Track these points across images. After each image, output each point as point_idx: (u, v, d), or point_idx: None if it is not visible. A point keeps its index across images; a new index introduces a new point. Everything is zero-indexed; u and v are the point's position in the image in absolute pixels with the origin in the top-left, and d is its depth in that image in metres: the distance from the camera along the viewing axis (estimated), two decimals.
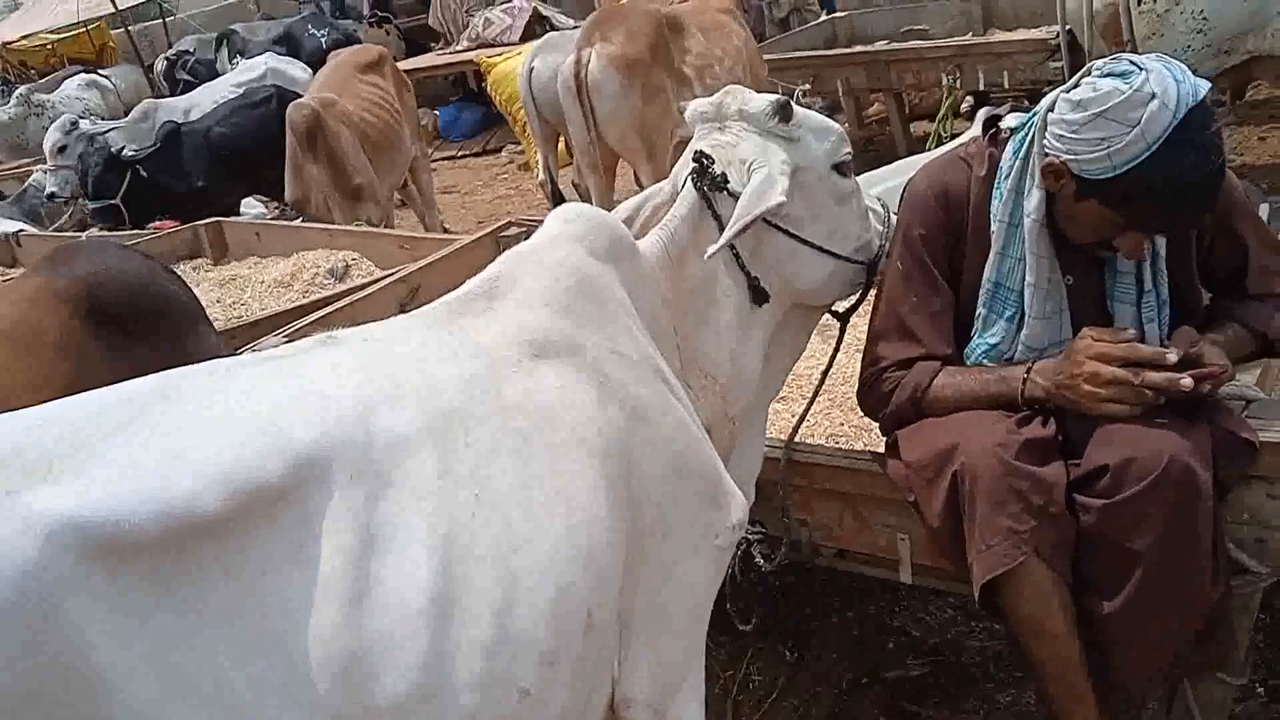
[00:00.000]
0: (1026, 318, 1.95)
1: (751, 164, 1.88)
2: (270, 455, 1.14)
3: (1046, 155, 1.83)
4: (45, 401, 1.16)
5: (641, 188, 3.33)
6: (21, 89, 10.30)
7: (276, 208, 6.48)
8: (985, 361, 2.00)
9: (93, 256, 2.22)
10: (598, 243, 1.66)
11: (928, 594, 2.74)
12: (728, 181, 1.86)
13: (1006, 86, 5.81)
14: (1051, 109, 1.83)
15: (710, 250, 1.78)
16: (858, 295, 2.11)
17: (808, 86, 6.21)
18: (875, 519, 2.18)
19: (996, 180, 1.99)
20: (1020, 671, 2.47)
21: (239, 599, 1.08)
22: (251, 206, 6.63)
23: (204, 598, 1.05)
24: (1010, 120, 2.01)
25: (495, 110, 8.95)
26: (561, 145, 6.12)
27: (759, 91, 2.03)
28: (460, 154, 9.74)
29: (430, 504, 1.24)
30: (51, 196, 6.13)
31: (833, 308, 2.16)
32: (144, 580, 1.01)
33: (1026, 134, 1.93)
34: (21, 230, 5.34)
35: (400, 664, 1.15)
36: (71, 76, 11.17)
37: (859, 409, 2.25)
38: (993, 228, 1.98)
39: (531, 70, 5.64)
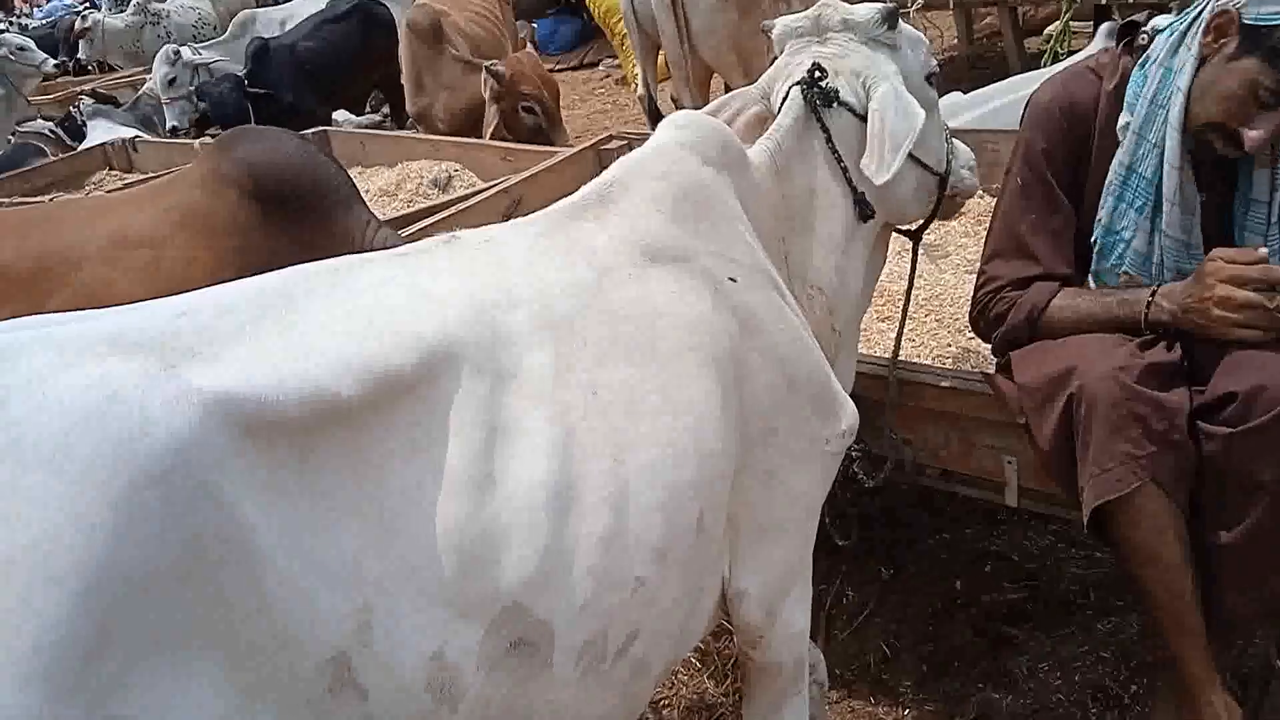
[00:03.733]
0: (1166, 205, 1.85)
1: (865, 76, 1.84)
2: (400, 347, 1.17)
3: (1223, 7, 1.74)
4: (222, 281, 1.21)
5: None
6: None
7: (383, 116, 6.54)
8: (1126, 263, 1.92)
9: (254, 143, 2.31)
10: (709, 150, 1.65)
11: (1027, 519, 2.71)
12: (838, 94, 1.82)
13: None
14: None
15: (881, 171, 1.73)
16: (930, 212, 2.06)
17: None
18: (982, 441, 2.15)
19: (1136, 70, 1.89)
20: (1122, 600, 2.44)
21: (370, 484, 1.12)
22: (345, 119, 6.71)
23: (339, 481, 1.10)
24: (1160, 20, 1.90)
25: (593, 23, 8.83)
26: (661, 59, 6.02)
27: None
28: (558, 67, 9.66)
29: (549, 401, 1.27)
30: (174, 131, 6.25)
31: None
32: (287, 460, 1.06)
33: (1183, 19, 1.83)
34: (137, 136, 5.50)
35: (521, 552, 1.20)
36: None
37: (967, 330, 2.20)
38: (1128, 115, 1.88)
39: None
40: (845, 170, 1.83)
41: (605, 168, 3.65)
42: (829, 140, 1.82)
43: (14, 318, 1.07)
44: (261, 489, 1.03)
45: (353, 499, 1.10)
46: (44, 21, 14.17)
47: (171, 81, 6.24)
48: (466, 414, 1.20)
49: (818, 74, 1.84)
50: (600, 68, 9.31)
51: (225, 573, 0.99)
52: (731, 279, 1.53)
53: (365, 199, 4.12)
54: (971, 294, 2.14)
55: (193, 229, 2.19)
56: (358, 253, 2.21)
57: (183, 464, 0.97)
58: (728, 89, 5.36)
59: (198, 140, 5.36)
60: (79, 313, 1.13)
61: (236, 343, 1.09)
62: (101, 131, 5.98)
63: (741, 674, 1.78)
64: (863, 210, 1.86)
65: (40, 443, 0.92)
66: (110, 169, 5.39)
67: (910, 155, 1.82)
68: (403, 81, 5.65)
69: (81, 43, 10.08)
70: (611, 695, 1.35)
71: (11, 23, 14.32)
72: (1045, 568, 2.63)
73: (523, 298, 1.33)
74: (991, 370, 2.12)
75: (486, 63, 4.34)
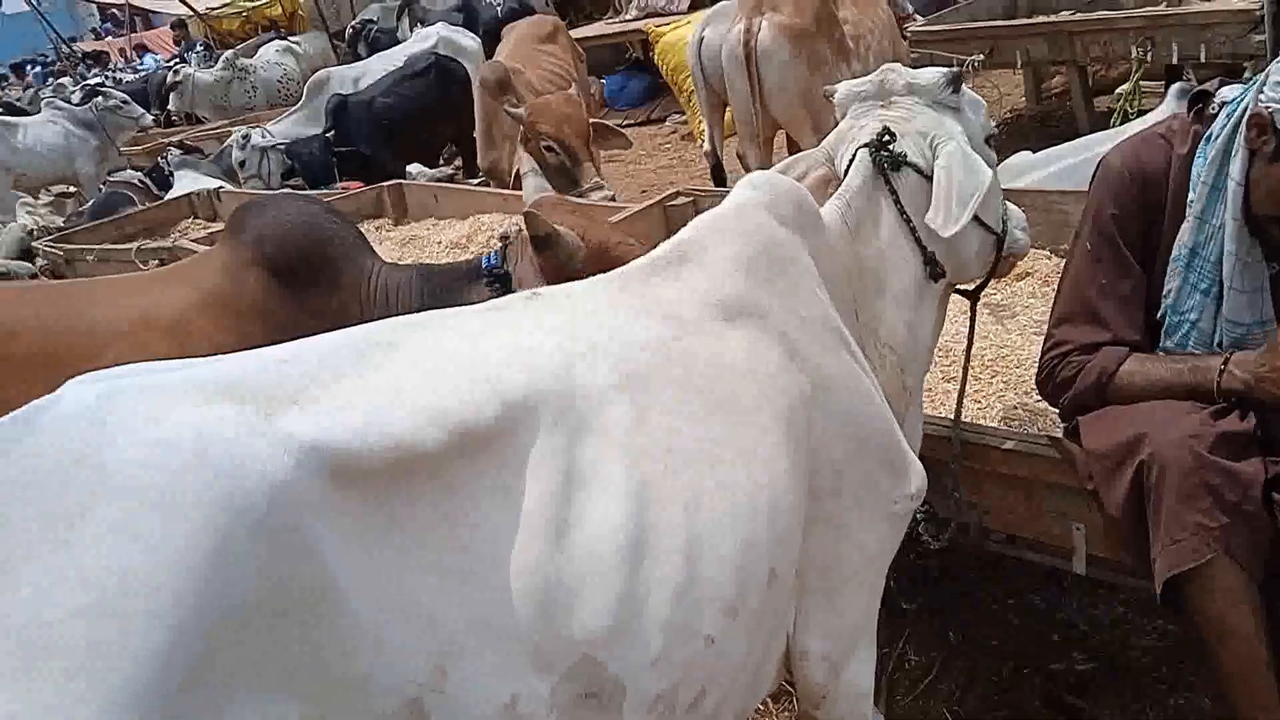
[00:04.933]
0: (1226, 290, 1.85)
1: (933, 138, 1.89)
2: (483, 399, 1.22)
3: (1257, 106, 1.74)
4: None
5: None
6: (228, 54, 10.97)
7: (455, 168, 6.71)
8: (1191, 342, 1.92)
9: (261, 218, 2.40)
10: (785, 210, 1.68)
11: (1096, 587, 2.65)
12: (906, 156, 1.87)
13: (1203, 60, 5.44)
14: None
15: (949, 224, 1.77)
16: (988, 272, 2.08)
17: (981, 58, 5.97)
18: (1049, 506, 2.12)
19: (1201, 146, 1.89)
20: (1194, 675, 2.37)
21: (450, 531, 1.16)
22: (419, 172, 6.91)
23: (420, 530, 1.14)
24: (1226, 92, 1.91)
25: (661, 79, 8.98)
26: (727, 116, 6.10)
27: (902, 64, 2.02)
28: (625, 123, 9.81)
29: (625, 453, 1.30)
30: None
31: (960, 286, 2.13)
32: (371, 508, 1.10)
33: (1244, 96, 1.83)
34: (221, 187, 5.73)
35: (595, 602, 1.22)
36: (268, 43, 11.84)
37: (1034, 392, 2.19)
38: (1192, 194, 1.89)
39: (701, 40, 5.64)
40: (914, 230, 1.87)
41: (672, 223, 3.72)
42: (897, 201, 1.86)
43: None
44: (347, 536, 1.07)
45: (433, 548, 1.14)
46: (137, 76, 14.85)
47: (242, 164, 6.53)
48: (545, 464, 1.24)
49: (886, 137, 1.88)
50: (667, 123, 9.44)
51: (309, 616, 1.03)
52: (804, 338, 1.56)
53: (438, 249, 4.27)
54: (1039, 356, 2.14)
55: (216, 312, 2.29)
56: (365, 301, 2.33)
57: (277, 509, 1.02)
58: (791, 147, 5.43)
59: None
60: (182, 360, 1.19)
61: (332, 392, 1.14)
62: (188, 181, 6.23)
63: None
64: (933, 269, 1.89)
65: (147, 483, 0.97)
66: (195, 217, 5.61)
67: (974, 215, 1.85)
68: (475, 135, 5.81)
69: (172, 96, 10.54)
70: None
71: (107, 77, 15.04)
72: (1115, 637, 2.57)
73: (603, 351, 1.37)
74: (1059, 434, 2.11)
75: (506, 106, 4.41)
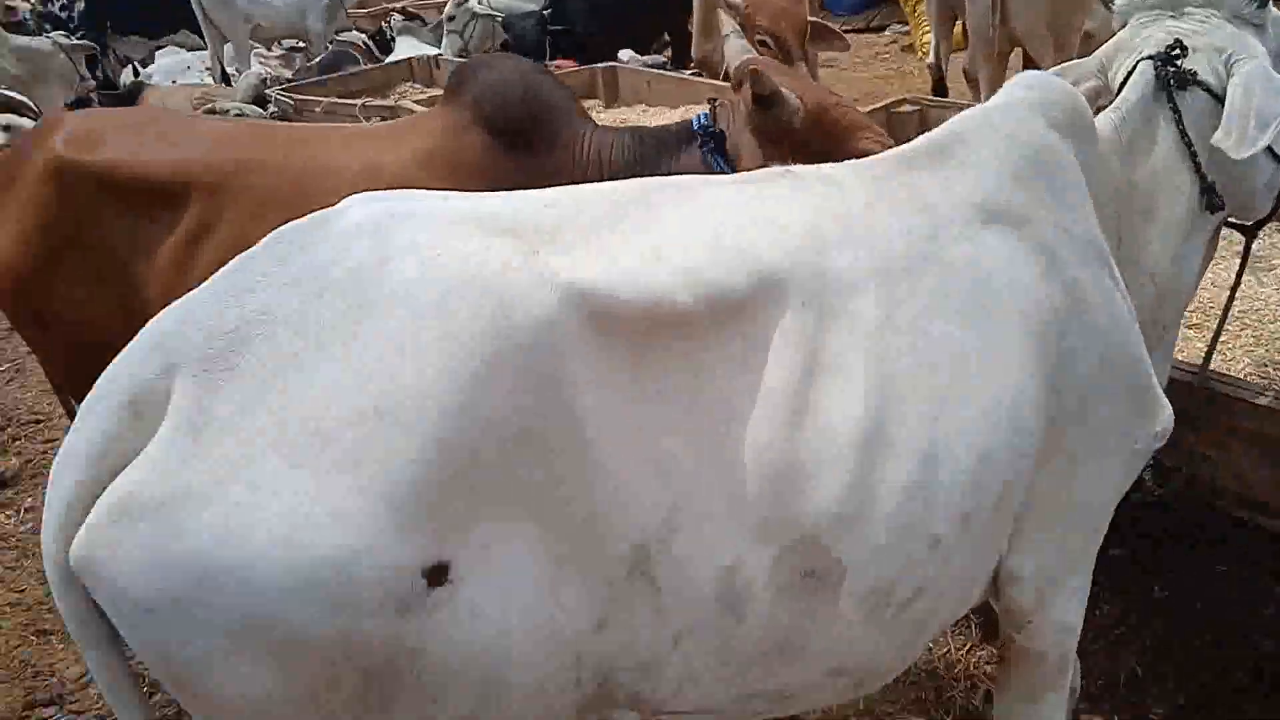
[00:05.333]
0: None
1: (1230, 55, 1.71)
2: (739, 268, 1.19)
3: None
4: None
5: None
6: None
7: (665, 58, 6.64)
8: None
9: (483, 79, 2.40)
10: (1057, 114, 1.56)
11: None
12: (1195, 75, 1.70)
13: None
14: None
15: (1242, 146, 1.61)
16: (1270, 210, 1.89)
17: None
18: None
19: None
20: None
21: (692, 394, 1.15)
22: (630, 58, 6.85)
23: (667, 386, 1.13)
24: None
25: None
26: (957, 30, 5.76)
27: None
28: (843, 29, 9.44)
29: (871, 344, 1.25)
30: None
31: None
32: (625, 357, 1.10)
33: None
34: (440, 55, 5.85)
35: (827, 486, 1.19)
36: None
37: None
38: None
39: None
40: (1194, 155, 1.70)
41: (894, 131, 3.54)
42: (1179, 122, 1.70)
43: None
44: (599, 380, 1.07)
45: (676, 407, 1.13)
46: None
47: (451, 19, 6.59)
48: (790, 344, 1.20)
49: (1175, 51, 1.71)
50: (886, 33, 9.03)
51: (557, 449, 1.04)
52: (1064, 251, 1.45)
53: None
54: None
55: (436, 168, 2.30)
56: (579, 161, 2.32)
57: (540, 343, 1.02)
58: (1028, 64, 5.08)
59: None
60: (454, 193, 1.21)
61: (592, 240, 1.14)
62: (407, 47, 6.40)
63: (1000, 657, 1.71)
64: (1211, 200, 1.72)
65: (425, 301, 1.00)
66: (413, 81, 5.75)
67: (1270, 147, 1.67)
68: (690, 27, 5.68)
69: None
70: (887, 645, 1.33)
71: None
72: None
73: (857, 239, 1.31)
74: None
75: None
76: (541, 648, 1.07)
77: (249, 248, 1.08)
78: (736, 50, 3.90)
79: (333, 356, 0.97)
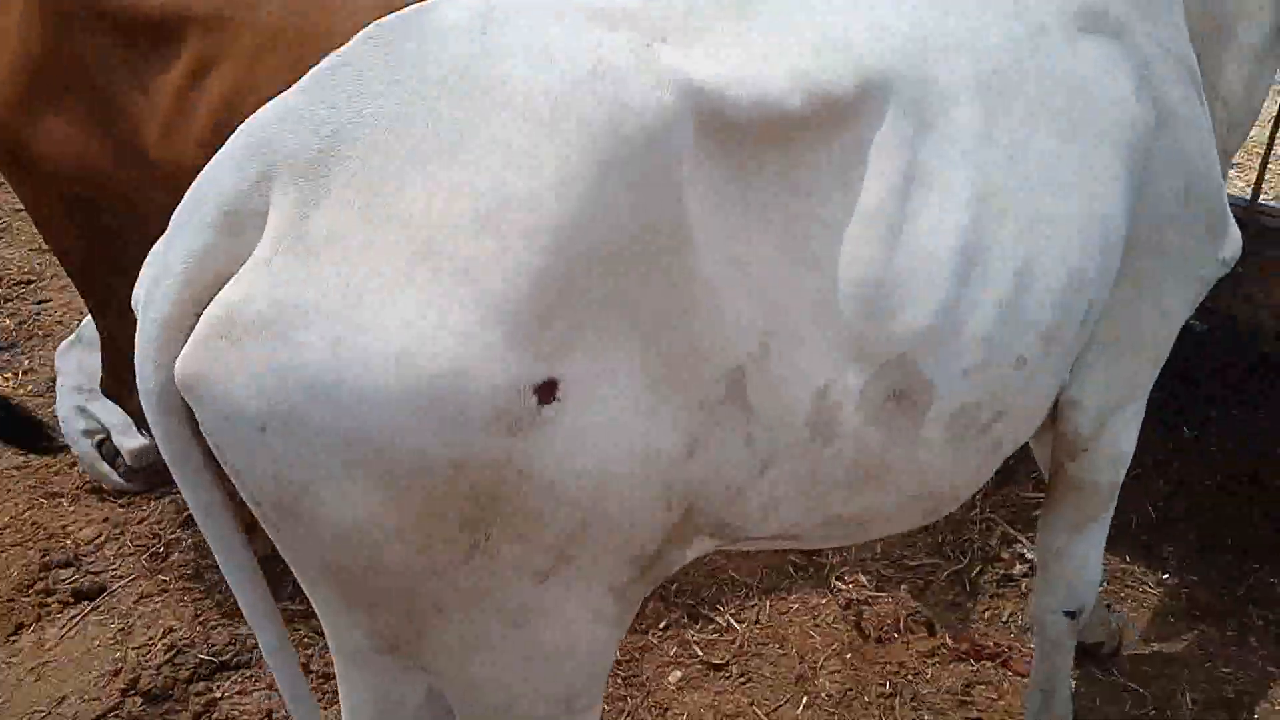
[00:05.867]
0: None
1: None
2: (843, 70, 1.11)
3: None
4: None
5: None
6: None
7: None
8: None
9: None
10: None
11: None
12: None
13: None
14: None
15: None
16: None
17: None
18: None
19: None
20: None
21: (797, 208, 1.09)
22: None
23: (767, 196, 1.07)
24: None
25: None
26: None
27: None
28: None
29: (970, 159, 1.20)
30: None
31: None
32: (731, 163, 1.03)
33: None
34: None
35: (921, 304, 1.16)
36: None
37: None
38: None
39: None
40: None
41: None
42: None
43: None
44: (706, 187, 1.01)
45: (776, 218, 1.08)
46: None
47: None
48: (889, 153, 1.14)
49: None
50: None
51: (666, 264, 0.99)
52: (1160, 68, 1.38)
53: None
54: None
55: None
56: None
57: (657, 145, 0.96)
58: None
59: None
60: None
61: (702, 38, 1.06)
62: None
63: (1049, 487, 1.72)
64: None
65: (535, 102, 0.92)
66: None
67: None
68: None
69: None
70: (965, 468, 1.32)
71: None
72: None
73: (958, 46, 1.24)
74: None
75: None
76: (638, 471, 1.03)
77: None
78: None
79: (439, 164, 0.90)
